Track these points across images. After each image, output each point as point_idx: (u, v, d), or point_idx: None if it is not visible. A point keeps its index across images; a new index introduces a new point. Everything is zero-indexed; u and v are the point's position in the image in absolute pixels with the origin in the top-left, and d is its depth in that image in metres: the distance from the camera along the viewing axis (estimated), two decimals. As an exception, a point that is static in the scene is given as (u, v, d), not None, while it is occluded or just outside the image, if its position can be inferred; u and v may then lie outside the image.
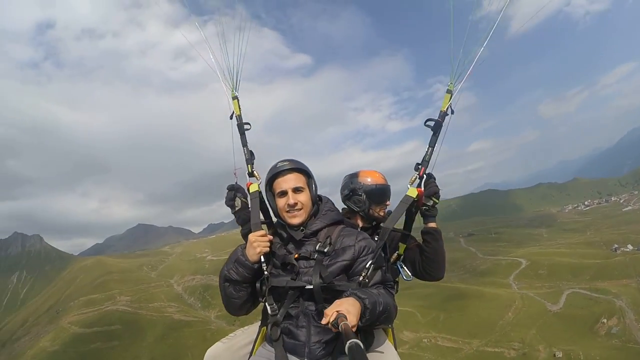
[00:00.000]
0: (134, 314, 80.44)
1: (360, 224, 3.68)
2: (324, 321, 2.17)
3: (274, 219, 3.22)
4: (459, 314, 65.02)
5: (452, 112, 3.29)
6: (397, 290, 3.43)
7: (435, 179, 3.35)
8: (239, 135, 3.57)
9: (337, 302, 2.29)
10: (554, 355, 50.40)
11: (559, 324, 58.06)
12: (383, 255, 2.93)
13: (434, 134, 3.25)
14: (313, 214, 2.94)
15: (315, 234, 2.88)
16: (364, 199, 3.63)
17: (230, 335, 3.16)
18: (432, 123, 3.26)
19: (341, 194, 3.81)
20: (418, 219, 3.41)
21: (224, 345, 3.05)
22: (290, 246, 2.91)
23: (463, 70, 3.31)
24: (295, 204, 2.83)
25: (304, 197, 2.87)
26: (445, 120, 3.29)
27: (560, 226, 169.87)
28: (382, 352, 2.78)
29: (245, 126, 3.56)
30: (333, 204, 3.14)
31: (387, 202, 3.68)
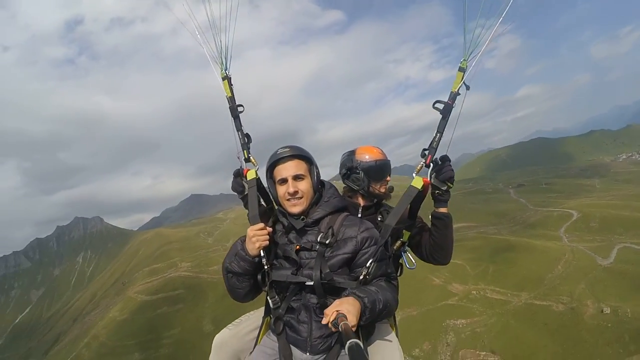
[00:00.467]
0: (196, 278, 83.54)
1: (362, 202, 3.55)
2: (324, 321, 2.20)
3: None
4: (507, 267, 65.17)
5: (468, 88, 3.01)
6: (401, 273, 3.45)
7: (450, 161, 3.11)
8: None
9: (337, 301, 2.32)
10: (602, 311, 50.12)
11: (608, 280, 57.14)
12: (384, 248, 2.83)
13: (443, 118, 2.99)
14: (315, 202, 2.87)
15: (316, 222, 2.82)
16: (362, 177, 3.49)
17: (236, 321, 3.19)
18: (441, 106, 3.01)
19: (340, 173, 3.69)
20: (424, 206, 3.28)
21: (231, 332, 3.09)
22: (292, 235, 2.85)
23: (478, 44, 3.00)
24: (296, 192, 2.78)
25: (304, 185, 2.81)
26: (456, 101, 3.03)
27: (614, 176, 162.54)
28: (387, 341, 2.81)
29: (239, 108, 3.39)
30: (336, 190, 3.07)
31: (387, 178, 3.56)
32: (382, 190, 3.51)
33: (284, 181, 2.80)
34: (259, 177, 3.17)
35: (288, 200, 2.79)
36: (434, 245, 3.31)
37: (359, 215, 3.36)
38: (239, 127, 3.36)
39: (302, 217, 2.81)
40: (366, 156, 3.53)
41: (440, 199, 3.18)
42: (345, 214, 2.92)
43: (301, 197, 2.79)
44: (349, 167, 3.55)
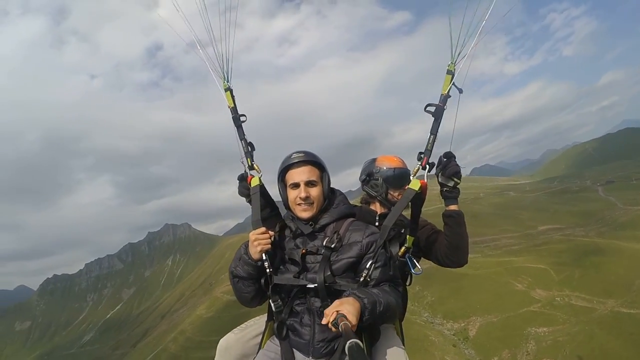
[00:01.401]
0: None
1: (379, 210, 3.56)
2: (324, 321, 2.18)
3: (283, 210, 3.21)
4: (594, 272, 62.37)
5: (461, 91, 3.01)
6: (410, 283, 3.44)
7: (455, 157, 3.10)
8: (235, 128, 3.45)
9: (337, 302, 2.29)
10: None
11: None
12: (385, 251, 2.79)
13: (435, 120, 2.98)
14: (324, 209, 2.87)
15: (323, 228, 2.83)
16: (380, 183, 3.54)
17: (242, 325, 3.17)
18: (432, 108, 2.99)
19: (359, 178, 3.75)
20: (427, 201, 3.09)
21: (236, 336, 3.06)
22: (299, 240, 2.86)
23: (465, 46, 2.97)
24: (307, 197, 2.78)
25: (315, 191, 2.82)
26: (445, 103, 3.01)
27: None
28: (393, 348, 2.73)
29: (241, 118, 3.45)
30: (346, 197, 3.07)
31: (405, 187, 3.29)
32: (399, 198, 3.37)
33: (296, 186, 2.81)
34: (262, 184, 3.21)
35: (299, 205, 2.81)
36: (449, 245, 3.23)
37: (376, 223, 3.30)
38: (241, 135, 3.42)
39: (310, 222, 2.82)
40: (386, 164, 3.59)
41: (449, 195, 3.15)
42: (352, 219, 2.91)
43: (312, 203, 2.80)
44: (369, 173, 3.64)
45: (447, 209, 3.20)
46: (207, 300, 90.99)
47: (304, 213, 2.81)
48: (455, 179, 3.09)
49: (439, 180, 3.13)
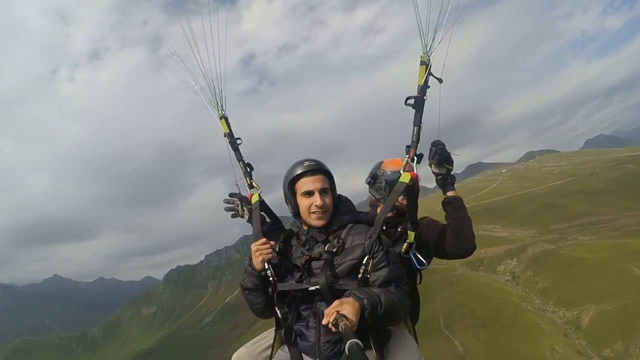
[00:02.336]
0: None
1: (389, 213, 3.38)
2: (324, 321, 2.19)
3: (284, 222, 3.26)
4: None
5: (441, 81, 3.00)
6: (420, 281, 3.45)
7: (444, 145, 3.12)
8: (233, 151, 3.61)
9: (336, 302, 2.30)
10: None
11: None
12: (383, 248, 2.73)
13: (416, 112, 2.97)
14: (333, 216, 2.91)
15: (334, 234, 2.86)
16: (383, 186, 3.58)
17: (254, 339, 3.17)
18: (412, 101, 2.98)
19: (365, 181, 3.78)
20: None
21: (247, 350, 3.06)
22: (305, 247, 2.89)
23: (436, 35, 2.92)
24: (323, 205, 2.81)
25: (328, 199, 2.86)
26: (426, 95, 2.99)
27: None
28: (405, 348, 2.72)
29: (237, 141, 3.61)
30: (352, 204, 3.13)
31: None
32: (404, 202, 3.37)
33: (309, 194, 2.83)
34: (262, 200, 3.35)
35: (313, 213, 2.82)
36: (452, 233, 3.18)
37: (383, 227, 3.06)
38: (239, 157, 3.58)
39: (322, 230, 2.86)
40: (391, 168, 3.59)
41: (445, 183, 3.17)
42: (353, 224, 2.93)
43: (326, 211, 2.83)
44: (373, 176, 3.68)
45: (445, 196, 3.22)
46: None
47: (318, 221, 2.85)
48: (447, 165, 3.12)
49: (432, 170, 3.17)
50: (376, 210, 3.63)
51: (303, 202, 2.86)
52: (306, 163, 2.90)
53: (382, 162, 3.75)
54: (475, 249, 3.22)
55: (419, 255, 3.16)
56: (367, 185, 3.77)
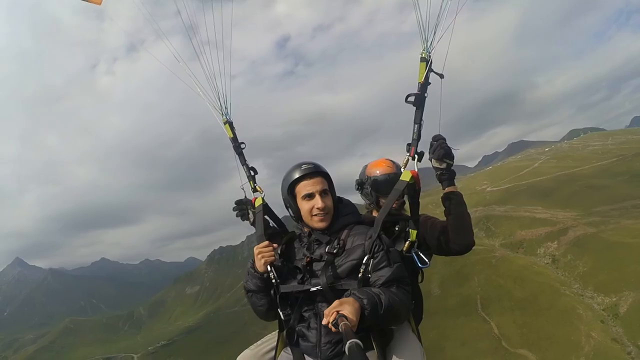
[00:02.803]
0: None
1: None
2: (324, 321, 2.19)
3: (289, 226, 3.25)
4: None
5: (442, 77, 2.99)
6: (422, 280, 3.38)
7: (445, 139, 3.08)
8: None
9: (336, 302, 2.29)
10: None
11: None
12: (383, 247, 2.73)
13: (417, 109, 2.98)
14: (334, 217, 2.93)
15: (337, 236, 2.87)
16: (369, 192, 3.57)
17: (258, 342, 3.21)
18: (412, 98, 2.98)
19: (355, 188, 3.77)
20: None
21: (252, 352, 3.08)
22: (306, 249, 2.90)
23: (437, 31, 2.89)
24: (325, 207, 2.82)
25: (329, 201, 2.87)
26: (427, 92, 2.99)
27: None
28: (408, 348, 2.75)
29: (242, 145, 3.65)
30: (353, 206, 3.13)
31: None
32: (393, 205, 3.23)
33: (310, 196, 2.84)
34: (266, 203, 3.39)
35: (315, 215, 2.83)
36: (452, 228, 3.17)
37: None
38: (243, 162, 3.61)
39: (325, 231, 2.87)
40: (376, 171, 3.58)
41: (444, 178, 3.14)
42: (353, 225, 2.94)
43: (327, 213, 2.85)
44: (359, 183, 3.68)
45: (444, 191, 3.19)
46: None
47: (320, 223, 2.86)
48: (448, 160, 3.09)
49: (433, 165, 3.14)
50: (372, 213, 3.66)
51: (304, 205, 2.87)
52: (304, 166, 2.90)
53: (366, 166, 3.74)
54: (474, 244, 3.21)
55: (421, 254, 3.12)
56: (358, 192, 3.78)
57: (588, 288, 60.75)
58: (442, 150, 3.05)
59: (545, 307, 58.37)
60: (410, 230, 3.11)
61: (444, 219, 3.27)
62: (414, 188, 2.98)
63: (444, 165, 3.10)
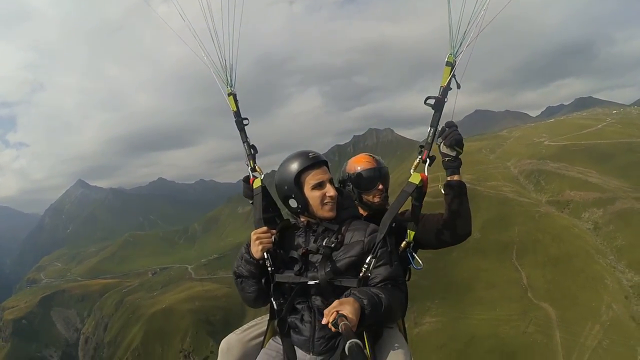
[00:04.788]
0: (473, 189, 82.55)
1: (363, 213, 3.48)
2: (323, 321, 2.21)
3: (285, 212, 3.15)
4: None
5: (459, 87, 2.87)
6: (409, 278, 3.22)
7: (457, 127, 3.00)
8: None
9: (336, 302, 2.30)
10: None
11: None
12: (386, 248, 2.71)
13: (435, 113, 2.88)
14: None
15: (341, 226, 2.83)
16: (351, 188, 3.46)
17: (244, 326, 3.19)
18: (432, 101, 2.88)
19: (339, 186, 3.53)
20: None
21: (237, 337, 3.07)
22: (301, 239, 2.86)
23: (465, 39, 2.80)
24: (336, 195, 2.80)
25: (335, 190, 2.84)
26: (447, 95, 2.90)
27: None
28: (395, 346, 2.75)
29: (244, 121, 3.51)
30: (352, 199, 3.21)
31: (379, 187, 3.41)
32: (376, 200, 3.38)
33: (320, 185, 2.78)
34: (264, 186, 3.30)
35: (326, 204, 2.79)
36: (451, 217, 3.09)
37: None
38: (244, 139, 3.49)
39: (333, 221, 2.83)
40: (357, 167, 3.46)
41: (451, 165, 3.04)
42: (352, 219, 2.92)
43: (336, 202, 2.83)
44: (340, 180, 3.55)
45: (448, 179, 3.09)
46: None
47: (331, 212, 2.81)
48: (458, 148, 3.00)
49: (441, 150, 3.04)
50: (360, 210, 3.48)
51: (314, 195, 2.78)
52: (310, 155, 2.82)
53: (346, 163, 3.59)
54: (470, 234, 3.16)
55: (416, 256, 3.08)
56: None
57: (621, 262, 61.28)
58: (454, 137, 2.97)
59: (576, 270, 60.17)
60: (409, 230, 3.04)
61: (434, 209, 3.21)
62: (421, 191, 2.91)
63: (453, 153, 3.02)
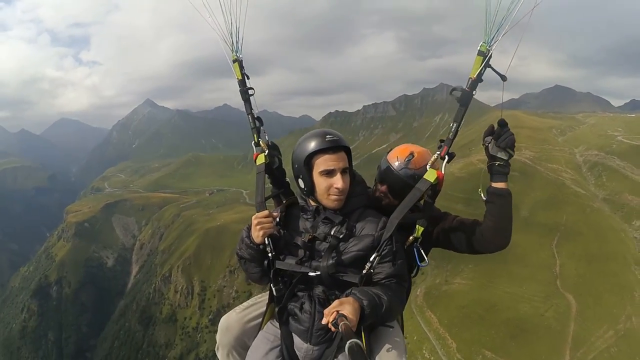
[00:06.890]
0: (533, 167, 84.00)
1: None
2: (323, 321, 2.18)
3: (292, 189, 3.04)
4: None
5: (504, 79, 2.55)
6: (416, 274, 3.13)
7: (508, 127, 2.64)
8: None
9: (336, 302, 2.27)
10: None
11: None
12: (392, 247, 2.60)
13: (460, 107, 2.61)
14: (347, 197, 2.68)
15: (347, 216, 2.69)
16: (376, 177, 3.24)
17: (244, 304, 3.13)
18: (459, 94, 2.60)
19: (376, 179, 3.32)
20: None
21: (237, 315, 3.03)
22: (309, 224, 2.72)
23: (502, 27, 2.46)
24: (344, 188, 2.58)
25: (348, 181, 2.63)
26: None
27: None
28: (392, 343, 2.69)
29: (250, 91, 3.27)
30: (365, 184, 3.01)
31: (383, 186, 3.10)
32: (383, 189, 3.10)
33: (329, 173, 2.56)
34: (269, 162, 3.13)
35: (332, 195, 2.60)
36: (492, 227, 2.81)
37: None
38: (249, 110, 3.26)
39: (336, 212, 2.67)
40: (394, 159, 3.11)
41: (500, 171, 2.69)
42: (364, 208, 2.78)
43: (344, 194, 2.63)
44: (383, 172, 3.15)
45: (494, 185, 2.75)
46: (462, 163, 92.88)
47: (335, 203, 2.64)
48: (510, 151, 2.67)
49: (490, 152, 2.70)
50: (375, 192, 3.17)
51: (321, 182, 2.60)
52: (328, 137, 2.57)
53: (388, 153, 3.21)
54: (508, 245, 2.91)
55: (422, 252, 2.88)
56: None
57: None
58: (510, 138, 2.62)
59: (609, 273, 60.50)
60: (418, 226, 2.84)
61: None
62: (435, 189, 2.73)
63: (505, 156, 2.67)
